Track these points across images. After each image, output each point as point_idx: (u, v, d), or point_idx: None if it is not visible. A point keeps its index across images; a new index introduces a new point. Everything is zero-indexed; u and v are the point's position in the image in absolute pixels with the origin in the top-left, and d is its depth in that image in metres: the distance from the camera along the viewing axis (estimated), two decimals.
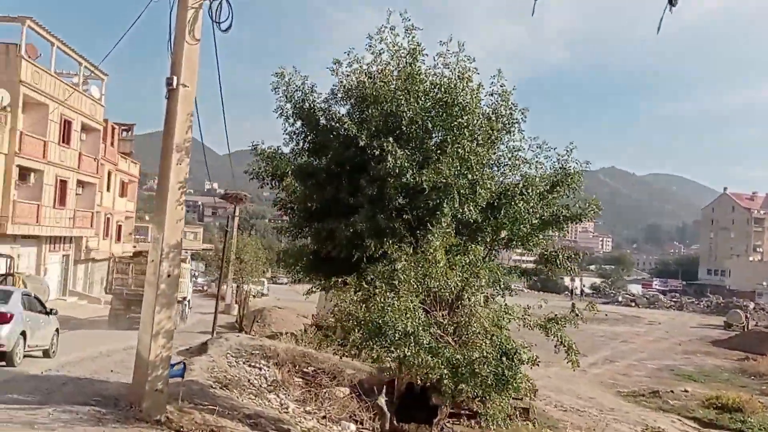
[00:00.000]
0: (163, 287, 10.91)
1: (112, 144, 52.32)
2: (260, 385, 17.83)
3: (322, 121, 12.79)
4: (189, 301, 41.00)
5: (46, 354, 17.88)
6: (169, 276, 10.97)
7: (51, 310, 18.59)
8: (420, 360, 9.71)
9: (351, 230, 11.60)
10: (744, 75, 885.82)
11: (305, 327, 35.53)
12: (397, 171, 11.01)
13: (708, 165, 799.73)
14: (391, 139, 11.07)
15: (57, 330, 18.72)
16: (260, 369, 20.73)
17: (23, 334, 15.93)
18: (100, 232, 50.22)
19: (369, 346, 10.28)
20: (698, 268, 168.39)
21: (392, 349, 10.04)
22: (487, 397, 10.06)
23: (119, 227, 58.76)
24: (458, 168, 11.25)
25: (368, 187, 11.46)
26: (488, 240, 12.57)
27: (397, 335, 9.95)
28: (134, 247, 65.59)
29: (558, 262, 13.18)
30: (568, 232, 13.78)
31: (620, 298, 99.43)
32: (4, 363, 15.34)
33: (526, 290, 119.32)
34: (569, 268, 13.46)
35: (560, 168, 13.12)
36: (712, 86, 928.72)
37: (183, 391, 12.29)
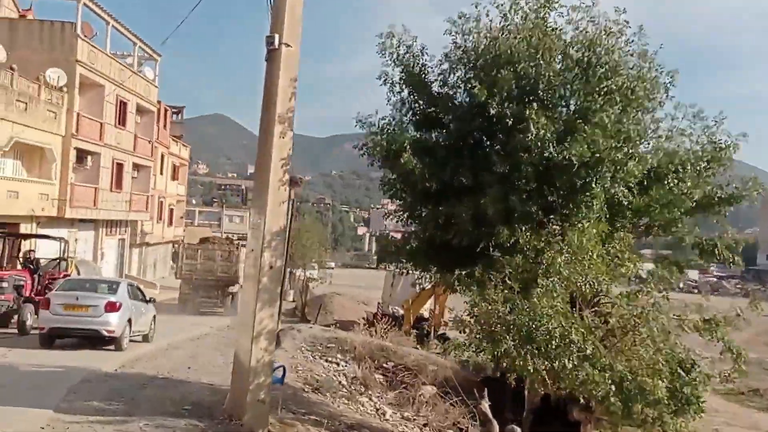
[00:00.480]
0: (265, 281, 9.34)
1: (164, 126, 51.33)
2: (349, 386, 16.35)
3: (436, 88, 11.04)
4: None
5: (145, 338, 19.02)
6: (271, 268, 9.42)
7: (150, 298, 20.00)
8: (584, 374, 7.98)
9: (476, 215, 9.88)
10: None
11: (368, 315, 34.10)
12: (538, 144, 9.25)
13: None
14: (535, 105, 9.28)
15: (154, 316, 19.87)
16: (338, 364, 19.30)
17: (129, 321, 17.19)
18: (154, 216, 49.37)
19: (521, 355, 8.56)
20: (757, 254, 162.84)
21: (547, 359, 8.32)
22: (660, 420, 8.25)
23: (171, 211, 57.98)
24: (613, 139, 9.40)
25: (499, 163, 9.71)
26: (628, 225, 10.70)
27: (554, 343, 8.22)
28: (183, 231, 65.15)
29: (717, 252, 11.25)
30: (725, 216, 11.71)
31: (681, 285, 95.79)
32: (113, 347, 16.73)
33: None
34: (730, 259, 11.47)
35: (710, 142, 11.12)
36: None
37: (282, 398, 10.78)
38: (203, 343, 20.97)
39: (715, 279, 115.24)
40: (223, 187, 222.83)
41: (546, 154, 9.29)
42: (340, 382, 16.30)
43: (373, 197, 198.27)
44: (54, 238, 24.13)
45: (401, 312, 30.75)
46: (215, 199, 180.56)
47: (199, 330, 24.60)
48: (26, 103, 28.80)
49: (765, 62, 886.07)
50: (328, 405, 12.48)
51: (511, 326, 8.44)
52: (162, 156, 51.41)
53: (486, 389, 14.95)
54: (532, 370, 8.62)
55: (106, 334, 16.49)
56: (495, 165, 9.69)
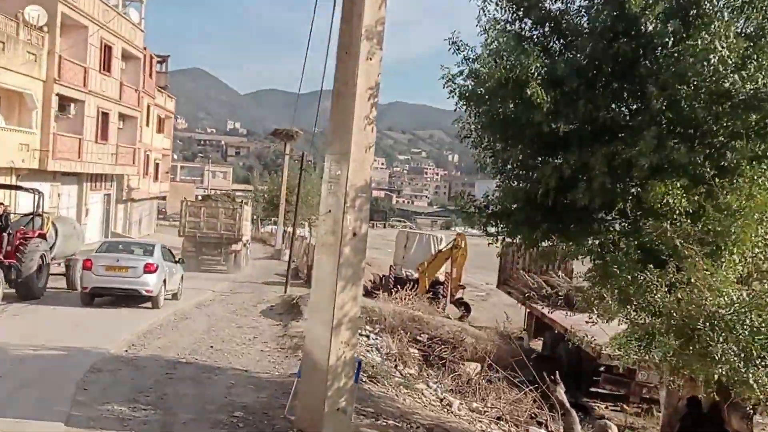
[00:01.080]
0: (348, 253, 7.01)
1: (150, 75, 48.05)
2: (390, 364, 14.15)
3: (557, 5, 8.50)
4: (249, 245, 37.63)
5: (174, 297, 19.89)
6: (354, 235, 7.04)
7: (179, 259, 21.08)
8: None
9: (616, 166, 7.54)
10: None
11: (374, 278, 31.88)
12: (715, 70, 6.88)
13: None
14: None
15: (182, 276, 20.87)
16: (368, 337, 17.12)
17: (164, 281, 18.41)
18: (140, 171, 46.44)
19: (688, 359, 6.34)
20: None
21: (731, 364, 6.10)
22: None
23: (157, 165, 54.96)
24: None
25: (656, 98, 7.32)
26: None
27: (759, 341, 5.99)
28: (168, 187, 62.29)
29: None
30: None
31: None
32: (150, 305, 17.86)
33: None
34: None
35: None
36: None
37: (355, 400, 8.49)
38: (213, 312, 18.65)
39: None
40: (202, 142, 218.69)
41: (726, 85, 6.93)
42: (395, 368, 14.09)
43: None
44: (27, 190, 20.53)
45: (415, 275, 28.56)
46: (201, 154, 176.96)
47: (203, 295, 22.33)
48: (3, 43, 25.77)
49: None
50: (393, 399, 10.26)
51: (674, 318, 6.19)
52: (148, 107, 48.25)
53: (551, 374, 12.95)
54: (711, 378, 6.38)
55: (145, 293, 17.68)
56: (651, 99, 7.29)
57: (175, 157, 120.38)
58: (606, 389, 15.68)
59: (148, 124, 48.81)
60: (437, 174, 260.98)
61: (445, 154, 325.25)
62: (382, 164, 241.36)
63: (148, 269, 17.61)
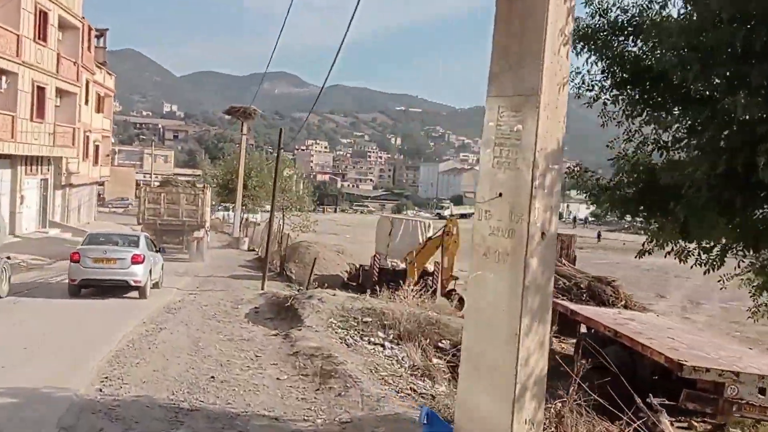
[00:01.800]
0: (535, 266, 4.10)
1: (89, 49, 43.68)
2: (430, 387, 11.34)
3: None
4: (209, 232, 34.51)
5: (155, 285, 20.01)
6: (543, 236, 4.10)
7: (160, 248, 21.44)
8: None
9: None
10: None
11: (351, 269, 28.92)
12: None
13: None
14: None
15: (162, 265, 21.26)
16: (383, 346, 14.33)
17: (150, 271, 18.84)
18: (80, 153, 42.14)
19: None
20: None
21: None
22: None
23: (97, 148, 50.53)
24: None
25: None
26: None
27: None
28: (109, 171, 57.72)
29: None
30: None
31: (626, 224, 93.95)
32: (137, 294, 18.35)
33: None
34: None
35: None
36: None
37: None
38: (189, 319, 15.49)
39: None
40: (139, 126, 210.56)
41: None
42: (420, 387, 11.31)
43: (298, 138, 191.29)
44: None
45: (402, 266, 25.76)
46: (138, 138, 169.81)
47: (168, 295, 19.21)
48: None
49: None
50: None
51: None
52: (87, 83, 43.87)
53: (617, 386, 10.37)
54: None
55: (133, 283, 18.13)
56: None
57: (112, 140, 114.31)
58: (688, 407, 13.14)
59: (87, 103, 44.49)
60: (380, 157, 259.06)
61: (387, 137, 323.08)
62: (326, 148, 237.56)
63: (136, 260, 18.06)
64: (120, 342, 11.96)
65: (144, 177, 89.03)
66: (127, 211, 71.07)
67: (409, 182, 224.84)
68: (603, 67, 6.67)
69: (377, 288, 24.69)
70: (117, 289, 18.09)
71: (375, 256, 26.64)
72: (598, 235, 77.54)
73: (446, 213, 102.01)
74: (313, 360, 10.79)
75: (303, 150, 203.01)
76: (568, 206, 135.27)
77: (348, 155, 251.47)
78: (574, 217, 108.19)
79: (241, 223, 43.68)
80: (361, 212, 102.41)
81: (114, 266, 17.95)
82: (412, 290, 18.48)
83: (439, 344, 15.26)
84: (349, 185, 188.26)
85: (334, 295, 16.44)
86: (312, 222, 35.23)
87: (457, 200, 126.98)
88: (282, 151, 24.83)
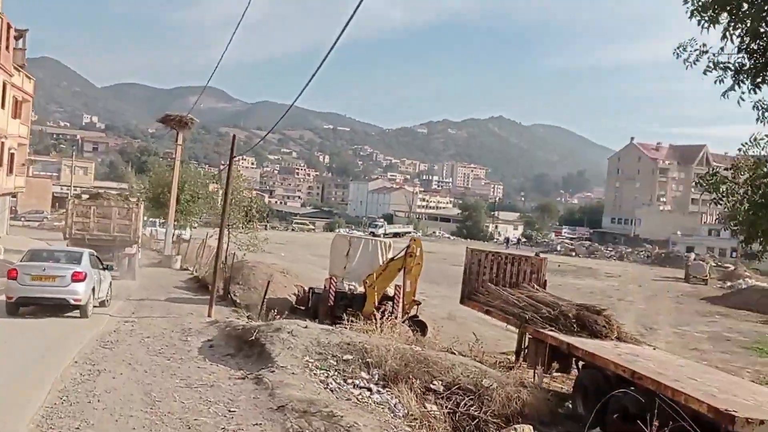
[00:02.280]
0: None
1: (7, 47, 39.99)
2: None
3: None
4: (140, 249, 31.88)
5: (102, 304, 19.58)
6: None
7: (108, 266, 20.76)
8: None
9: None
10: (624, 32, 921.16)
11: (299, 291, 26.48)
12: None
13: (589, 119, 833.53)
14: None
15: (110, 283, 20.73)
16: (370, 390, 12.22)
17: (93, 289, 18.12)
18: None
19: None
20: (602, 217, 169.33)
21: None
22: None
23: (12, 156, 46.44)
24: None
25: None
26: None
27: None
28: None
29: None
30: None
31: (559, 248, 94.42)
32: (78, 314, 17.53)
33: (451, 237, 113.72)
34: None
35: None
36: (595, 42, 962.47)
37: None
38: (133, 355, 12.91)
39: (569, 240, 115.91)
40: (56, 136, 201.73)
41: None
42: None
43: (223, 153, 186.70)
44: None
45: (360, 290, 23.60)
46: (62, 147, 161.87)
47: (101, 322, 16.59)
48: None
49: (594, 41, 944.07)
50: None
51: None
52: (3, 85, 40.10)
53: None
54: None
55: (73, 302, 17.30)
56: None
57: (28, 150, 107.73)
58: None
59: (3, 106, 40.69)
60: (309, 175, 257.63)
61: (316, 155, 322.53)
62: (253, 164, 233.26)
63: (77, 278, 17.33)
64: (50, 393, 9.32)
65: (62, 189, 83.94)
66: (43, 225, 66.46)
67: (338, 200, 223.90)
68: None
69: (333, 314, 22.49)
70: (58, 307, 17.32)
71: (330, 278, 24.32)
72: (537, 256, 77.00)
73: (380, 231, 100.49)
74: (310, 419, 8.45)
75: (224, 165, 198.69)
76: (497, 227, 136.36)
77: (276, 172, 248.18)
78: (507, 238, 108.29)
79: (173, 239, 40.59)
80: (293, 229, 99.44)
81: (53, 284, 17.25)
82: (384, 319, 16.29)
83: (431, 385, 13.16)
84: (277, 202, 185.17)
85: (306, 327, 14.05)
86: (262, 240, 32.58)
87: (388, 219, 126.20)
88: (229, 161, 22.17)
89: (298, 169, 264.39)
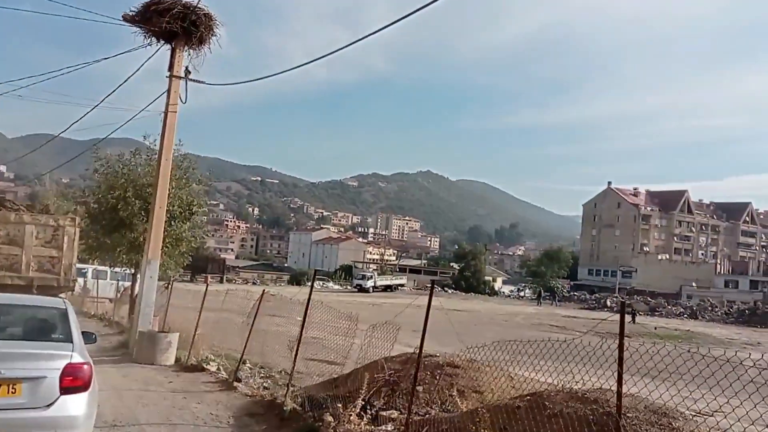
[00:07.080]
0: None
1: None
2: None
3: None
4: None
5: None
6: None
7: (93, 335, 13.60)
8: None
9: None
10: (545, 95, 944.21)
11: None
12: None
13: (511, 176, 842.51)
14: None
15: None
16: None
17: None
18: None
19: None
20: (577, 268, 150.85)
21: None
22: None
23: None
24: None
25: None
26: None
27: None
28: None
29: None
30: None
31: (609, 303, 74.92)
32: None
33: (447, 290, 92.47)
34: None
35: None
36: (516, 104, 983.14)
37: None
38: None
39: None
40: None
41: None
42: None
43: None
44: None
45: None
46: None
47: None
48: None
49: (515, 102, 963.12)
50: None
51: None
52: None
53: None
54: None
55: None
56: None
57: None
58: None
59: None
60: (239, 226, 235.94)
61: (245, 207, 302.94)
62: None
63: (71, 382, 6.52)
64: None
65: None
66: None
67: (273, 252, 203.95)
68: None
69: None
70: None
71: None
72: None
73: (368, 284, 78.59)
74: None
75: None
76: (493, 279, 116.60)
77: (204, 222, 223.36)
78: (539, 292, 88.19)
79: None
80: (254, 283, 76.16)
81: (11, 401, 6.20)
82: None
83: None
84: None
85: None
86: None
87: (346, 270, 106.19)
88: None
89: (227, 221, 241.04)
